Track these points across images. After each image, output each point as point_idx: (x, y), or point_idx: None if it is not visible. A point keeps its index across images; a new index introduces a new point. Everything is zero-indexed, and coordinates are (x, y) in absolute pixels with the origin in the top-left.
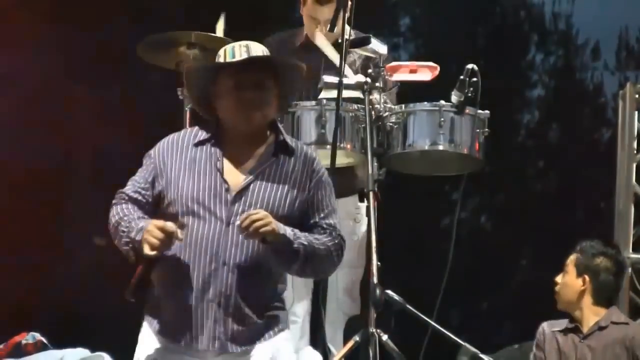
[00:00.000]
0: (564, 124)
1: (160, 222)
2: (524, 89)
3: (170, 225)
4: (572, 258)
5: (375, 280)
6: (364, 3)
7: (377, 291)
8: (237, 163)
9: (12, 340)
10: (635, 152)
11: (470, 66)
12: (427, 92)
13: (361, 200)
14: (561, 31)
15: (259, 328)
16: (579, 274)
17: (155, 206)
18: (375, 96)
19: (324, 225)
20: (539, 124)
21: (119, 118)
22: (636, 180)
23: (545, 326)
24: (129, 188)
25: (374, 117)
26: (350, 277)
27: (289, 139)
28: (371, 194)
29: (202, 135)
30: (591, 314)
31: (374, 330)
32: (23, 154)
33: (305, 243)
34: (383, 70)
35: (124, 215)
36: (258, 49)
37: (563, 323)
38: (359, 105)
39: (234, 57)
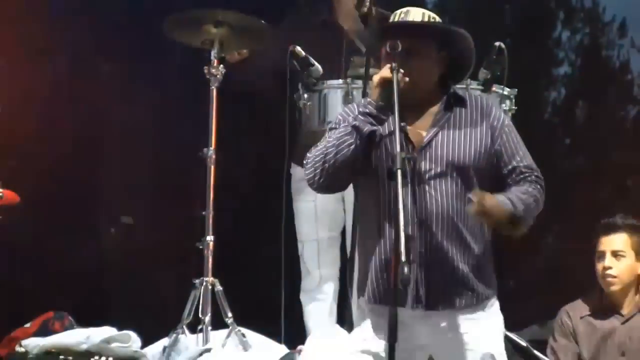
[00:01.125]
0: (590, 101)
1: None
2: (551, 67)
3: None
4: (627, 240)
5: (403, 258)
6: None
7: (405, 269)
8: (415, 122)
9: (39, 318)
10: None
11: (497, 44)
12: None
13: (389, 179)
14: (588, 8)
15: (466, 289)
16: (635, 254)
17: None
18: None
19: (523, 169)
20: (566, 101)
21: (146, 97)
22: None
23: (570, 312)
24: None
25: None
26: None
27: (460, 92)
28: (399, 172)
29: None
30: (633, 296)
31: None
32: (49, 131)
33: (523, 207)
34: None
35: (326, 141)
36: (417, 14)
37: (586, 305)
38: None
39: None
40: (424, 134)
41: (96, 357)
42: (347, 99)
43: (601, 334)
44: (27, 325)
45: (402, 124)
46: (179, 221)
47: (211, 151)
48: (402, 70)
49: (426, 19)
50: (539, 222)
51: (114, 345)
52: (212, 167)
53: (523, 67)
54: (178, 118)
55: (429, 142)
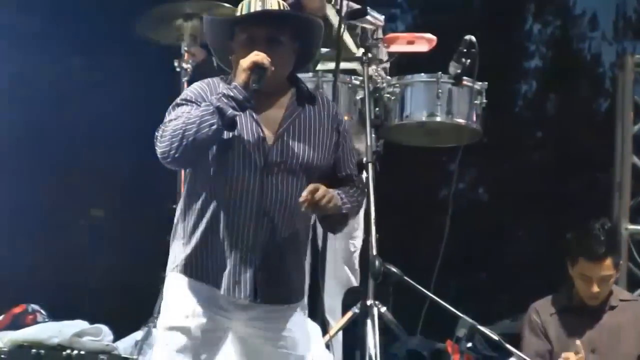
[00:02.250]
0: (562, 94)
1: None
2: (521, 60)
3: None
4: (610, 264)
5: (374, 251)
6: None
7: (376, 263)
8: (266, 114)
9: (11, 312)
10: (632, 122)
11: (467, 37)
12: (425, 64)
13: (359, 172)
14: (558, 1)
15: (293, 286)
16: (616, 270)
17: None
18: (373, 67)
19: (354, 178)
20: (537, 94)
21: (118, 89)
22: (633, 152)
23: (539, 309)
24: (170, 119)
25: (371, 89)
26: (349, 248)
27: (311, 88)
28: (370, 165)
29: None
30: (604, 295)
31: (373, 301)
32: (24, 124)
33: (349, 205)
34: (380, 42)
35: (185, 116)
36: (274, 3)
37: (556, 302)
38: (355, 77)
39: (249, 9)
40: (277, 125)
41: (68, 351)
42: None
43: (572, 331)
44: None
45: (254, 114)
46: (149, 215)
47: None
48: (267, 57)
49: (282, 7)
50: (510, 215)
51: (85, 339)
52: None
53: (494, 60)
54: (151, 110)
55: (281, 136)
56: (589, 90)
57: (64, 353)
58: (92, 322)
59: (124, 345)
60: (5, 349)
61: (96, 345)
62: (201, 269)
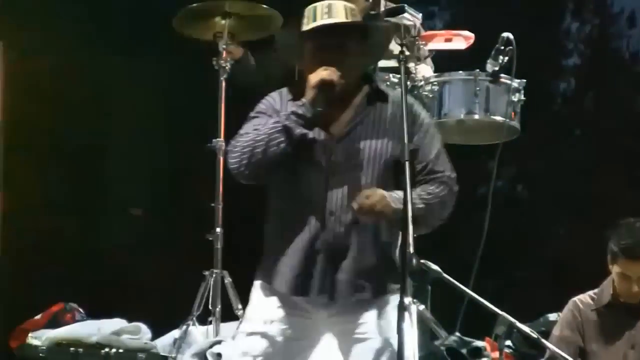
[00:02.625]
0: (600, 92)
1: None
2: (560, 58)
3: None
4: None
5: (411, 249)
6: None
7: (414, 260)
8: (335, 114)
9: (50, 310)
10: None
11: (505, 35)
12: (463, 61)
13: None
14: (596, 0)
15: (370, 280)
16: None
17: None
18: (411, 65)
19: (435, 169)
20: (575, 92)
21: (157, 88)
22: None
23: (580, 304)
24: (244, 132)
25: (409, 87)
26: None
27: (383, 87)
28: (407, 164)
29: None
30: None
31: (411, 300)
32: (58, 125)
33: (422, 206)
34: (418, 39)
35: (255, 132)
36: (340, 10)
37: (597, 298)
38: (394, 74)
39: (315, 19)
40: (344, 125)
41: (106, 349)
42: None
43: (612, 327)
44: (38, 316)
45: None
46: (189, 213)
47: (220, 142)
48: (336, 71)
49: (349, 13)
50: (549, 213)
51: (124, 337)
52: (221, 158)
53: (532, 57)
54: (189, 109)
55: (347, 134)
56: (627, 88)
57: (102, 351)
58: (130, 320)
59: (163, 343)
60: (43, 347)
61: (135, 344)
62: (278, 274)
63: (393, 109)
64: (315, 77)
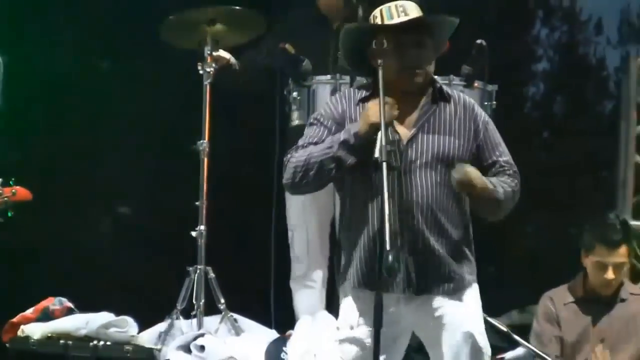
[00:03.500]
0: (568, 96)
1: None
2: (530, 63)
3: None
4: (625, 251)
5: (388, 246)
6: None
7: (390, 257)
8: (403, 115)
9: (40, 305)
10: (636, 123)
11: (479, 41)
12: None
13: (375, 170)
14: (565, 8)
15: (450, 274)
16: (628, 259)
17: None
18: None
19: (503, 163)
20: (544, 96)
21: (145, 91)
22: (636, 151)
23: (554, 298)
24: (303, 141)
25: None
26: None
27: (445, 87)
28: (384, 164)
29: (363, 93)
30: (616, 286)
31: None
32: (52, 129)
33: (501, 191)
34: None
35: (312, 150)
36: (413, 9)
37: (569, 293)
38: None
39: (391, 18)
40: (412, 125)
41: (95, 342)
42: (335, 94)
43: (583, 321)
44: (29, 311)
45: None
46: (174, 211)
47: (204, 144)
48: (392, 104)
49: (420, 12)
50: (519, 211)
51: (111, 330)
52: (205, 159)
53: (504, 63)
54: (174, 111)
55: (416, 134)
56: (594, 92)
57: (90, 344)
58: (117, 314)
59: (148, 336)
60: (35, 340)
61: (122, 337)
62: (360, 275)
63: (456, 108)
64: (372, 116)
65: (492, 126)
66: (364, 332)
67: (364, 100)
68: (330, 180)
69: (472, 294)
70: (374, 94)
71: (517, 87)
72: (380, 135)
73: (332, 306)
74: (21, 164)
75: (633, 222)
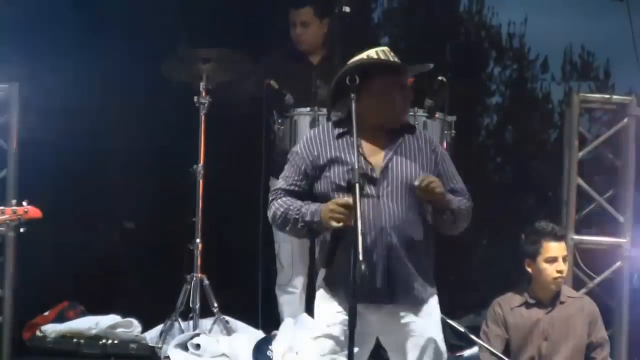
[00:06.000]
0: (518, 126)
1: (341, 200)
2: (485, 97)
3: (348, 200)
4: (565, 246)
5: (360, 257)
6: (351, 24)
7: (362, 267)
8: (374, 147)
9: (56, 307)
10: (577, 150)
11: (440, 78)
12: None
13: (348, 191)
14: (515, 48)
15: (416, 286)
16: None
17: (309, 193)
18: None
19: (458, 189)
20: (497, 126)
21: (148, 120)
22: (578, 174)
23: (502, 303)
24: (282, 184)
25: None
26: None
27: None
28: (357, 185)
29: (339, 130)
30: (555, 290)
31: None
32: (65, 152)
33: (457, 204)
34: None
35: (289, 205)
36: (390, 56)
37: (515, 298)
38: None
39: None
40: (381, 156)
41: (104, 340)
42: (314, 124)
43: (528, 322)
44: (46, 313)
45: (360, 149)
46: (173, 226)
47: (200, 167)
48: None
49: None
50: (475, 226)
51: (118, 330)
52: (201, 181)
53: (461, 97)
54: (173, 139)
55: (387, 165)
56: (540, 122)
57: (100, 342)
58: (124, 316)
59: (151, 335)
60: (51, 339)
61: (127, 336)
62: (337, 284)
63: (419, 141)
64: (332, 220)
65: (448, 157)
66: (338, 330)
67: (341, 135)
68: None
69: (434, 305)
70: (349, 131)
71: (473, 118)
72: (355, 159)
73: (311, 309)
74: (37, 181)
75: (576, 237)
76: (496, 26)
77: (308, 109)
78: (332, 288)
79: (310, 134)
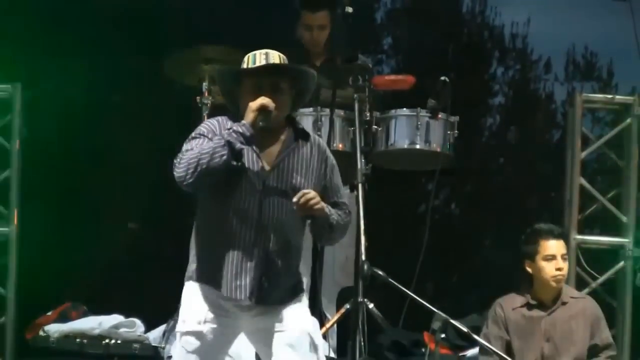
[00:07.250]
0: (521, 126)
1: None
2: (487, 98)
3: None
4: (564, 245)
5: (363, 257)
6: (354, 24)
7: (365, 267)
8: (266, 147)
9: (59, 308)
10: (580, 150)
11: (442, 78)
12: (407, 100)
13: (351, 191)
14: (518, 49)
15: (288, 288)
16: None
17: None
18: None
19: (340, 203)
20: (500, 126)
21: (150, 121)
22: (581, 174)
23: (503, 304)
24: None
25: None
26: (344, 254)
27: (305, 128)
28: (360, 185)
29: (230, 123)
30: (557, 291)
31: (362, 299)
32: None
33: (336, 218)
34: (368, 81)
35: (200, 147)
36: (276, 56)
37: (517, 299)
38: (349, 111)
39: (255, 63)
40: (273, 156)
41: (107, 340)
42: (317, 124)
43: (530, 323)
44: (49, 313)
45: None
46: (176, 228)
47: None
48: (272, 102)
49: (282, 60)
50: (478, 227)
51: (121, 330)
52: None
53: (464, 97)
54: (175, 139)
55: (277, 165)
56: (543, 123)
57: (103, 342)
58: (127, 316)
59: (154, 335)
60: (54, 339)
61: (130, 336)
62: (209, 275)
63: (312, 148)
64: (255, 103)
65: (337, 170)
66: (207, 328)
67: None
68: (221, 170)
69: (305, 302)
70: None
71: (476, 119)
72: (358, 160)
73: (314, 309)
74: (44, 185)
75: (579, 237)
76: (499, 26)
77: (311, 109)
78: (205, 281)
79: (211, 121)
